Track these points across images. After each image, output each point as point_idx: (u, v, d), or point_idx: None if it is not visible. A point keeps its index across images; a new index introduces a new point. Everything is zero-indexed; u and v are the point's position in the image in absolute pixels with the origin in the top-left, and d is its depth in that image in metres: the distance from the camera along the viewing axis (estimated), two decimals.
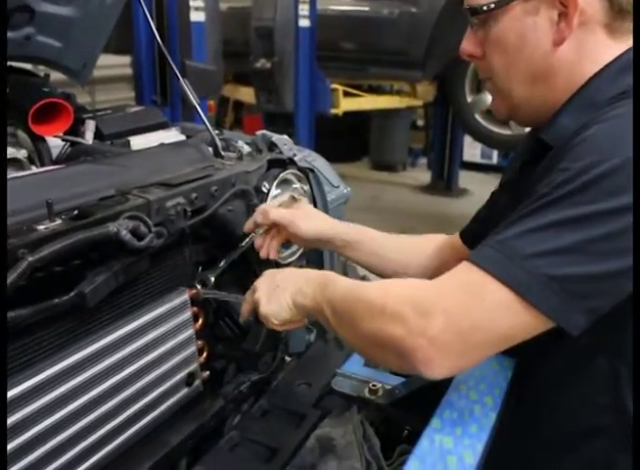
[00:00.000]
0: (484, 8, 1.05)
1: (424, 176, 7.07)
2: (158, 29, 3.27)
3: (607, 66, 1.04)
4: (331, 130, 5.81)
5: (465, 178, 6.82)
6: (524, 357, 0.96)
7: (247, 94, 5.19)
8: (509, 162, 1.34)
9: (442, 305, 0.90)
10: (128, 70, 3.99)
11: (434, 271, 1.43)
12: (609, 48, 1.04)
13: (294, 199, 1.44)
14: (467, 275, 0.91)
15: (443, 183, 6.71)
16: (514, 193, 1.16)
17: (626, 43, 1.05)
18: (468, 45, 1.13)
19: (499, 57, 1.08)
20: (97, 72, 2.40)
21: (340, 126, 5.94)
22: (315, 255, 1.79)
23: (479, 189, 6.51)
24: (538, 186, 0.95)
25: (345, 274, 2.28)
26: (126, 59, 4.06)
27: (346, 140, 7.45)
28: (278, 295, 1.16)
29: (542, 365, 1.03)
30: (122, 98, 4.73)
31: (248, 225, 1.40)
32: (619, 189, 0.86)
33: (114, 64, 4.25)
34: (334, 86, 4.68)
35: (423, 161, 7.69)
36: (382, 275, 1.47)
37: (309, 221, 1.39)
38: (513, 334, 0.91)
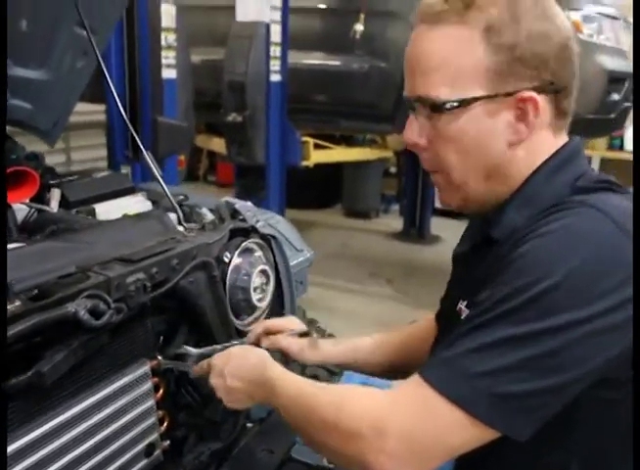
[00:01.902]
0: (447, 106, 1.02)
1: (396, 223, 7.13)
2: (130, 86, 3.35)
3: (546, 161, 1.07)
4: (304, 178, 5.88)
5: (437, 225, 6.89)
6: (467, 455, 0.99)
7: (219, 144, 5.23)
8: (461, 237, 1.36)
9: (397, 423, 0.94)
10: (103, 117, 4.01)
11: None
12: (551, 144, 1.08)
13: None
14: (419, 393, 0.95)
15: (416, 230, 6.77)
16: (464, 274, 1.20)
17: (563, 137, 1.10)
18: (412, 135, 1.09)
19: (452, 153, 1.06)
20: (72, 118, 2.43)
21: (313, 174, 6.02)
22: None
23: (450, 236, 6.57)
24: (482, 294, 0.99)
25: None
26: (101, 106, 4.09)
27: (320, 187, 7.52)
28: (235, 394, 1.23)
29: (486, 462, 1.06)
30: (97, 144, 4.74)
31: (250, 339, 1.48)
32: (556, 309, 0.90)
33: (88, 110, 4.27)
34: (304, 139, 4.75)
35: (396, 207, 7.76)
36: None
37: (314, 351, 1.45)
38: (465, 445, 0.96)
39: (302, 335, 1.48)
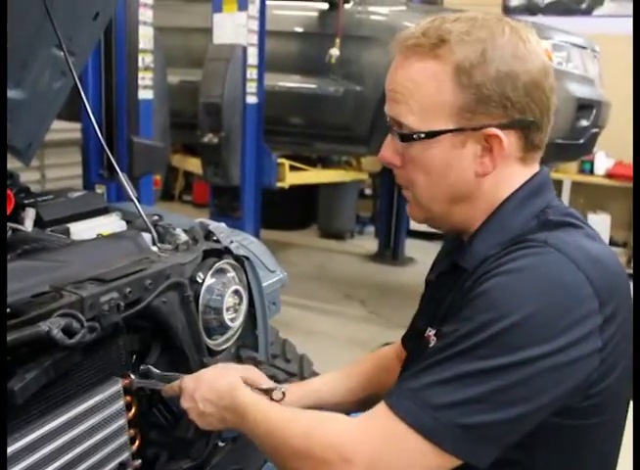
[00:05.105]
0: (414, 136, 1.07)
1: (371, 244, 7.17)
2: (106, 106, 3.37)
3: (515, 192, 1.11)
4: (280, 198, 5.90)
5: (411, 246, 6.94)
6: None
7: (195, 165, 5.25)
8: (432, 263, 1.38)
9: (363, 452, 0.98)
10: (79, 135, 4.02)
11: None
12: (520, 175, 1.12)
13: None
14: (385, 422, 0.99)
15: (390, 252, 6.81)
16: (433, 301, 1.23)
17: (534, 168, 1.14)
18: (387, 153, 1.15)
19: (421, 176, 1.11)
20: (47, 136, 2.44)
21: (289, 195, 6.06)
22: (251, 338, 1.83)
23: (424, 257, 6.61)
24: (448, 326, 1.03)
25: (284, 353, 2.32)
26: (77, 124, 4.09)
27: (295, 208, 7.56)
28: (208, 418, 1.24)
29: None
30: (72, 162, 4.73)
31: None
32: (518, 345, 0.95)
33: (64, 128, 4.28)
34: (280, 161, 4.78)
35: (371, 229, 7.81)
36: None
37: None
38: None
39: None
